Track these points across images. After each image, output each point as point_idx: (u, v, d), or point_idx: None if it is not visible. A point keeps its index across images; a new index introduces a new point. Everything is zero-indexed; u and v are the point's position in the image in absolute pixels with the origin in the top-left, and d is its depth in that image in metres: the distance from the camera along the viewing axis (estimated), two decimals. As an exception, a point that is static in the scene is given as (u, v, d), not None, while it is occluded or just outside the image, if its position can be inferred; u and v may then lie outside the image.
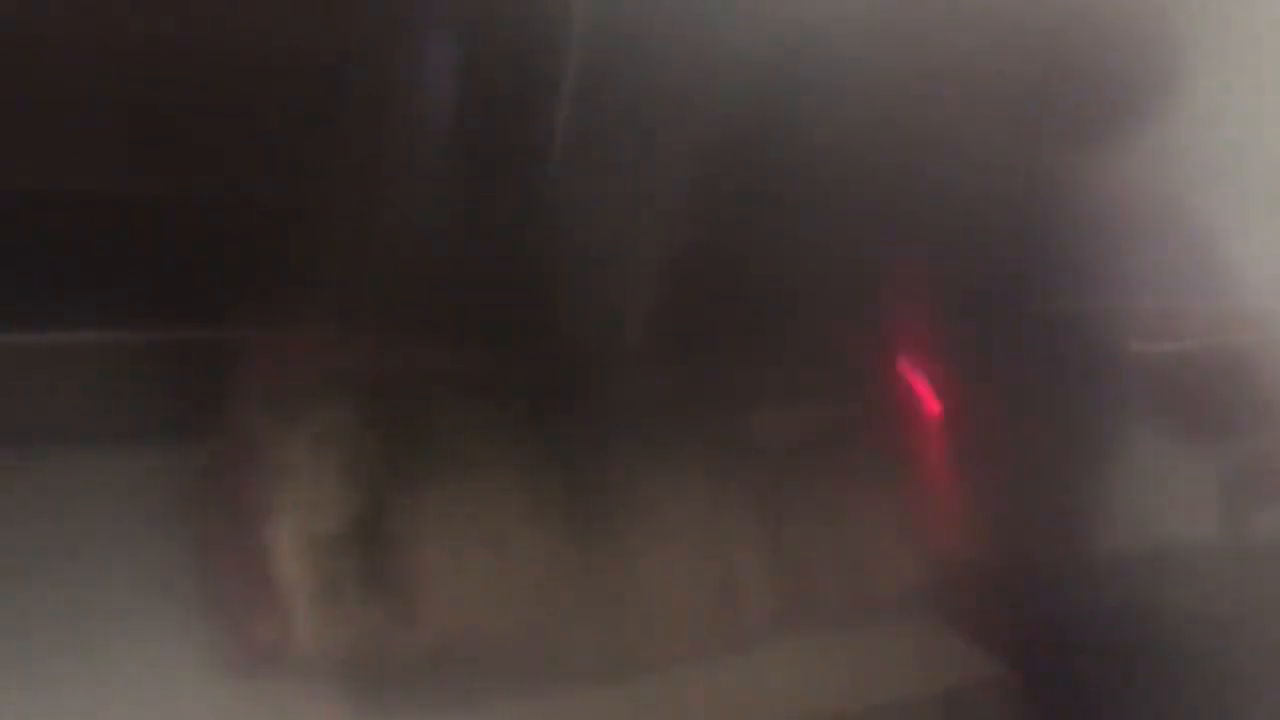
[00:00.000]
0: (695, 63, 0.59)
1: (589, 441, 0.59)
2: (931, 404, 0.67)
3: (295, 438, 0.53)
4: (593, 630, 0.56)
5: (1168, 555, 0.70)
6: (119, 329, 0.54)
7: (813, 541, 0.63)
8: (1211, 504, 0.73)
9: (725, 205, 0.64)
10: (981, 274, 0.69)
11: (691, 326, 0.66)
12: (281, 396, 0.54)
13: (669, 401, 0.62)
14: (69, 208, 0.53)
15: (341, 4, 0.55)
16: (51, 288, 0.52)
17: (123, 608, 0.51)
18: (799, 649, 0.61)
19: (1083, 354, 0.72)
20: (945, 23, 0.62)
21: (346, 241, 0.58)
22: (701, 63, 0.59)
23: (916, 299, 0.69)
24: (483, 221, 0.61)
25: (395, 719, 0.51)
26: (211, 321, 0.58)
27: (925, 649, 0.63)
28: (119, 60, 0.52)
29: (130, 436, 0.54)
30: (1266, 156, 0.69)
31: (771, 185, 0.64)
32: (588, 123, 0.59)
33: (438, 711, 0.52)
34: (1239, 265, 0.71)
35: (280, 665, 0.50)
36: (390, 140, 0.58)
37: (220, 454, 0.55)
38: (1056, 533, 0.70)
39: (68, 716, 0.49)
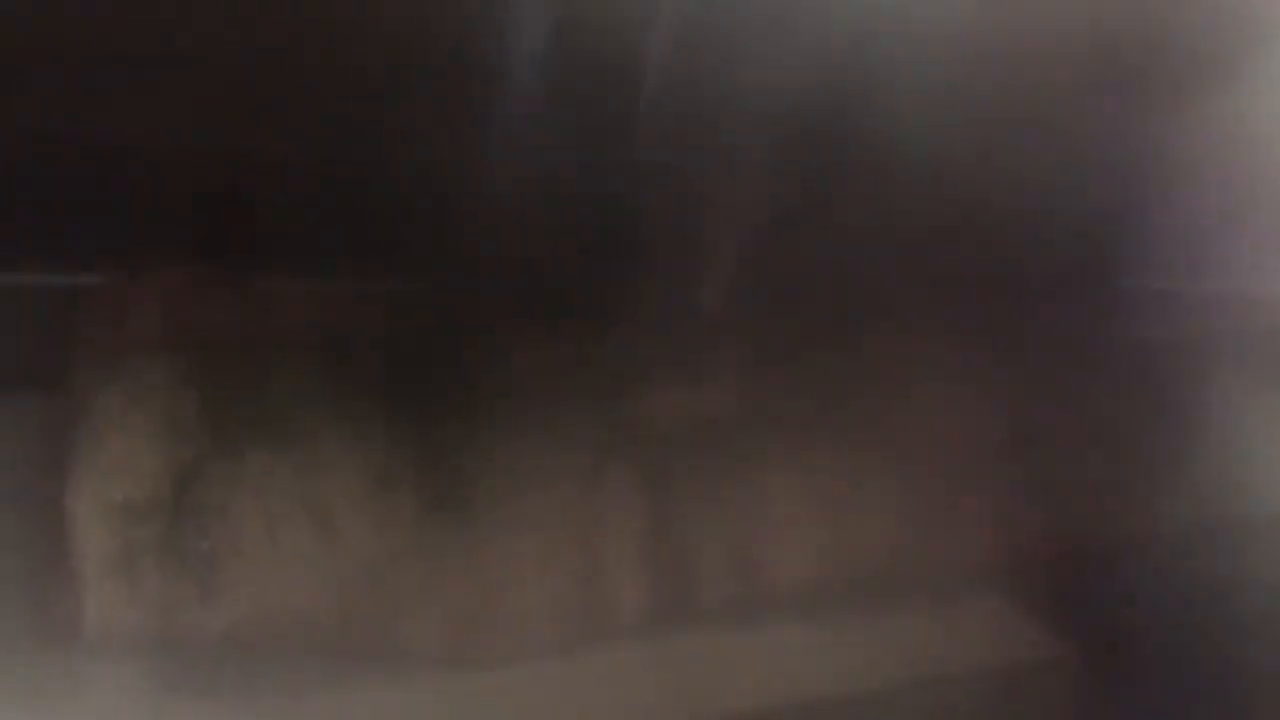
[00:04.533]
0: (781, 37, 0.56)
1: (450, 413, 0.55)
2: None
3: (110, 394, 0.49)
4: (434, 619, 0.52)
5: (1243, 532, 0.67)
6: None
7: (700, 532, 0.58)
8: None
9: (799, 181, 0.62)
10: (1066, 248, 0.66)
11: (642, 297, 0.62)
12: (104, 349, 0.51)
13: (549, 373, 0.58)
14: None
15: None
16: None
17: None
18: (675, 648, 0.57)
19: (1164, 329, 0.69)
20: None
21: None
22: (787, 38, 0.57)
23: (994, 272, 0.66)
24: (563, 190, 0.59)
25: (197, 702, 0.48)
26: (48, 266, 0.55)
27: (821, 650, 0.58)
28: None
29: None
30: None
31: (848, 160, 0.61)
32: (673, 99, 0.57)
33: (245, 697, 0.48)
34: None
35: (75, 639, 0.47)
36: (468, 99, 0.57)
37: (42, 409, 0.52)
38: (1126, 508, 0.65)
39: None
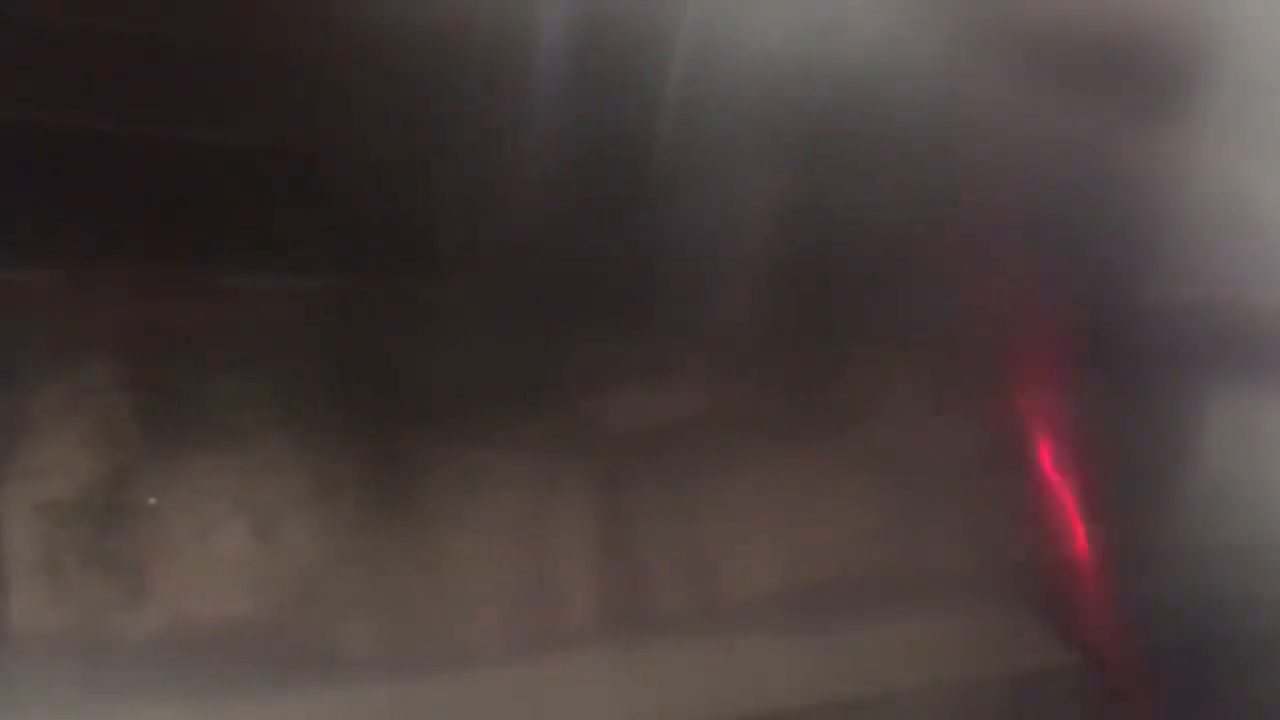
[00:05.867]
0: (794, 65, 0.55)
1: (399, 415, 0.54)
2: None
3: (46, 394, 0.49)
4: (374, 625, 0.51)
5: (1265, 548, 0.65)
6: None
7: (658, 538, 0.56)
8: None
9: (813, 195, 0.60)
10: (1094, 261, 0.64)
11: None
12: (43, 348, 0.51)
13: (503, 373, 0.56)
14: None
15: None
16: None
17: None
18: (631, 657, 0.55)
19: (1191, 342, 0.67)
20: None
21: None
22: (799, 62, 0.55)
23: (1024, 291, 0.64)
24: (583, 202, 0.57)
25: (123, 704, 0.47)
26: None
27: (782, 660, 0.57)
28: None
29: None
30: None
31: (864, 174, 0.59)
32: (691, 117, 0.56)
33: (173, 701, 0.47)
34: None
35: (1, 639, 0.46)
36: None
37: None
38: (1116, 522, 0.64)
39: None
